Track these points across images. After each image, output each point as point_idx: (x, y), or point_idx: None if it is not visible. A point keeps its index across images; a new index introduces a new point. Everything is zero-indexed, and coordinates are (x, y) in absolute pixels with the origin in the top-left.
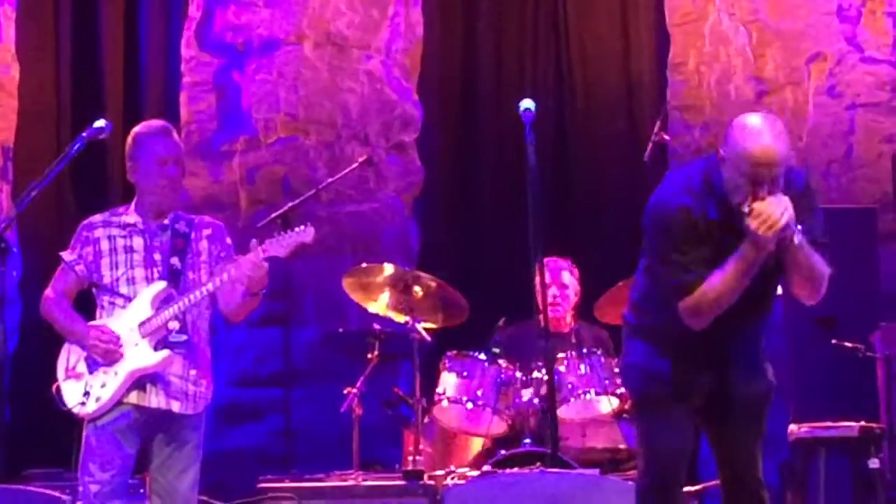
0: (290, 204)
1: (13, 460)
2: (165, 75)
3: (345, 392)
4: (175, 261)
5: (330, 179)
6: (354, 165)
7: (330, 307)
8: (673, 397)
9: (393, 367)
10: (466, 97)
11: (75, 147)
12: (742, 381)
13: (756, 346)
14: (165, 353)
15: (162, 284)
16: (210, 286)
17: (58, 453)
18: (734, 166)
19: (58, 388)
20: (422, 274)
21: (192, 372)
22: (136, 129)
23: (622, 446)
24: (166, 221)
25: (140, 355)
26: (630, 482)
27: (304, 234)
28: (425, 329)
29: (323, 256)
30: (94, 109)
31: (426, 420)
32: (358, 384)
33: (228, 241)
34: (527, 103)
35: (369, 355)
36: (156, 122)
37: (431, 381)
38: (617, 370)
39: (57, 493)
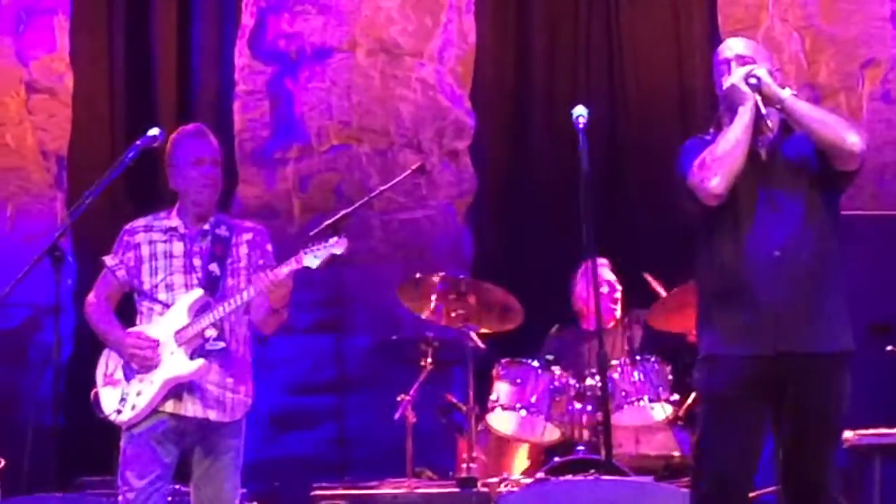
0: (343, 212)
1: (68, 468)
2: (218, 83)
3: (398, 399)
4: (214, 267)
5: (383, 187)
6: (407, 173)
7: (383, 315)
8: (733, 390)
9: (446, 374)
10: (519, 104)
11: (129, 156)
12: (810, 362)
13: (822, 307)
14: (200, 362)
15: (199, 292)
16: (245, 295)
17: (112, 461)
18: (717, 75)
19: (96, 395)
20: (475, 281)
21: (230, 380)
22: (173, 134)
23: (676, 453)
24: (206, 227)
25: (176, 363)
26: (685, 490)
27: (337, 245)
28: (479, 336)
29: (376, 264)
30: (147, 118)
31: (479, 427)
32: (411, 391)
33: (269, 247)
34: (579, 110)
35: (423, 363)
36: (191, 125)
37: (485, 388)
38: (670, 377)
39: (110, 501)
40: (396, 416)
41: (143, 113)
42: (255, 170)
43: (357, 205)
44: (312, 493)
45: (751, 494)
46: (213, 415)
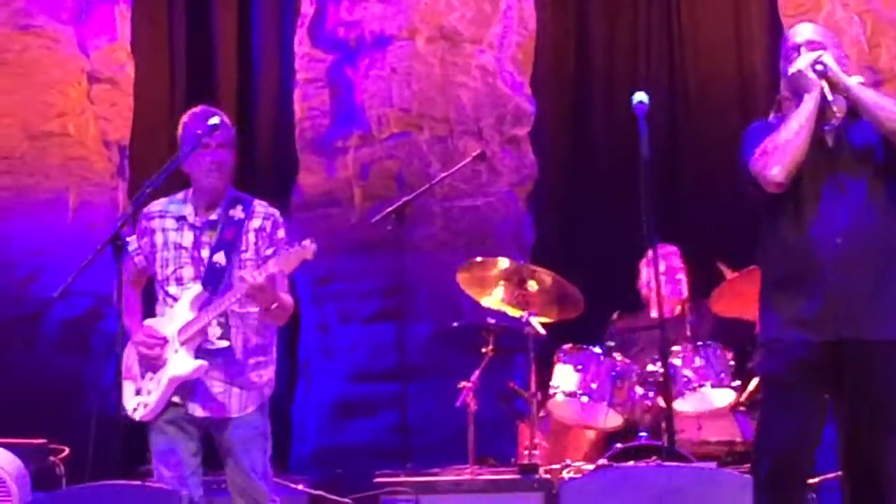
0: (404, 199)
1: (131, 456)
2: (279, 72)
3: (460, 386)
4: (220, 257)
5: (443, 174)
6: (468, 160)
7: (444, 302)
8: (795, 374)
9: (508, 361)
10: (579, 90)
11: (190, 146)
12: (871, 349)
13: (885, 294)
14: (200, 363)
15: (198, 289)
16: (234, 297)
17: None
18: (784, 60)
19: (120, 387)
20: (536, 268)
21: (236, 375)
22: (183, 117)
23: (738, 439)
24: (214, 217)
25: (179, 363)
26: (747, 475)
27: (306, 250)
28: (540, 323)
29: (437, 251)
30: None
31: (541, 414)
32: (473, 378)
33: (280, 234)
34: (640, 96)
35: (484, 349)
36: (199, 107)
37: (546, 374)
38: (732, 362)
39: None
40: (458, 403)
41: (203, 102)
42: (315, 158)
43: (418, 192)
44: (375, 481)
45: (813, 480)
46: (218, 412)
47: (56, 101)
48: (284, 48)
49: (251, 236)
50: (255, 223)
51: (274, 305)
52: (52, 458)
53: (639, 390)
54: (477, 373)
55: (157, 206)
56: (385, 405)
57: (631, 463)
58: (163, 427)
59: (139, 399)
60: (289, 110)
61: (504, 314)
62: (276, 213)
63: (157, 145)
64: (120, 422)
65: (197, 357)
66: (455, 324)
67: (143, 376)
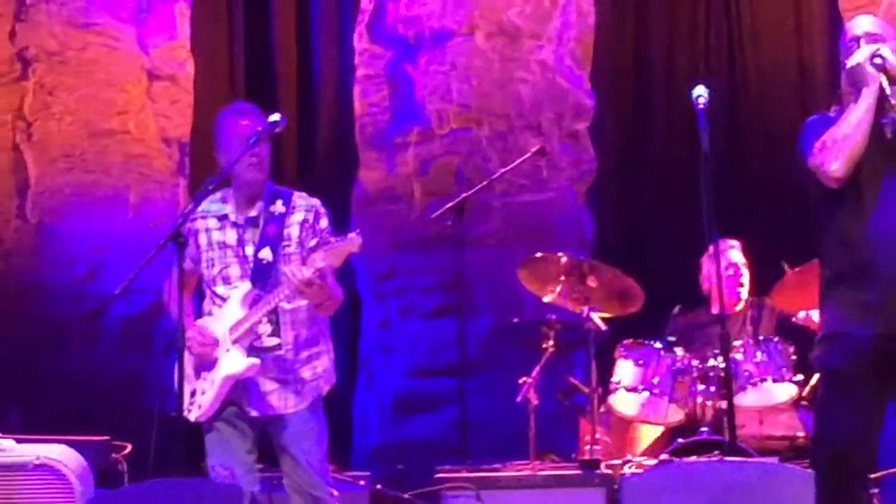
0: (464, 194)
1: (193, 452)
2: (338, 68)
3: (520, 382)
4: (266, 253)
5: (503, 169)
6: (528, 155)
7: (504, 297)
8: (854, 367)
9: (568, 356)
10: (639, 84)
11: (251, 141)
12: None
13: None
14: (253, 361)
15: (248, 286)
16: (283, 294)
17: None
18: (843, 52)
19: (179, 387)
20: (597, 263)
21: (291, 374)
22: (218, 115)
23: (801, 434)
24: (255, 213)
25: (232, 361)
26: (810, 470)
27: (353, 242)
28: (600, 318)
29: (497, 247)
30: (268, 104)
31: (602, 409)
32: (533, 374)
33: (323, 224)
34: (700, 90)
35: (544, 345)
36: (236, 103)
37: (607, 370)
38: (794, 357)
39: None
40: (519, 398)
41: (263, 99)
42: (375, 154)
43: (478, 188)
44: (436, 476)
45: (875, 474)
46: (277, 409)
47: (116, 99)
48: (344, 44)
49: (294, 230)
50: (298, 216)
51: (324, 301)
52: (114, 455)
53: (700, 385)
54: (537, 368)
55: (198, 207)
56: (446, 401)
57: (692, 458)
58: (217, 426)
59: (194, 400)
60: (348, 107)
61: (564, 309)
62: (318, 203)
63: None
64: (182, 418)
65: (249, 355)
66: (515, 319)
67: (196, 377)
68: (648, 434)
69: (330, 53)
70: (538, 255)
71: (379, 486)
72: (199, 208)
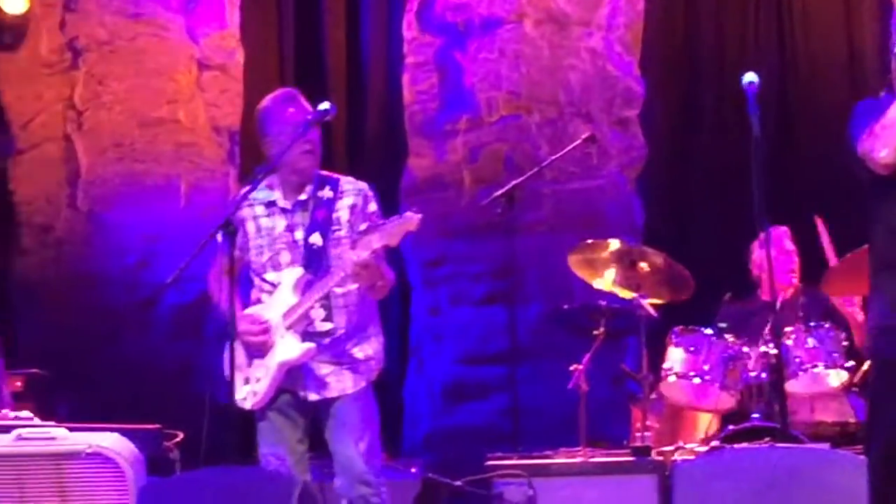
0: (514, 182)
1: (245, 441)
2: (388, 56)
3: (571, 369)
4: (316, 238)
5: (553, 157)
6: (577, 142)
7: (555, 284)
8: None
9: (619, 343)
10: (688, 71)
11: (302, 128)
12: None
13: None
14: (309, 346)
15: (300, 271)
16: (336, 277)
17: None
18: (893, 36)
19: (231, 376)
20: (647, 249)
21: (345, 357)
22: (261, 104)
23: (852, 420)
24: (305, 196)
25: (286, 347)
26: (861, 457)
27: (410, 221)
28: (651, 304)
29: (547, 234)
30: (317, 92)
31: (653, 396)
32: (584, 361)
33: (372, 207)
34: (750, 76)
35: (595, 332)
36: (282, 91)
37: (658, 356)
38: (845, 343)
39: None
40: (569, 385)
41: (313, 87)
42: (425, 142)
43: (528, 175)
44: (487, 464)
45: None
46: (330, 393)
47: (166, 89)
48: (393, 32)
49: (344, 213)
50: (347, 201)
51: (377, 283)
52: (166, 444)
53: (751, 372)
54: (588, 355)
55: (243, 194)
56: (496, 388)
57: (744, 444)
58: (269, 416)
59: (249, 388)
60: (397, 95)
61: (615, 296)
62: (365, 186)
63: None
64: (234, 407)
65: (304, 341)
66: (566, 306)
67: (249, 365)
68: (699, 421)
69: (379, 41)
70: (588, 241)
71: (430, 474)
72: (245, 197)
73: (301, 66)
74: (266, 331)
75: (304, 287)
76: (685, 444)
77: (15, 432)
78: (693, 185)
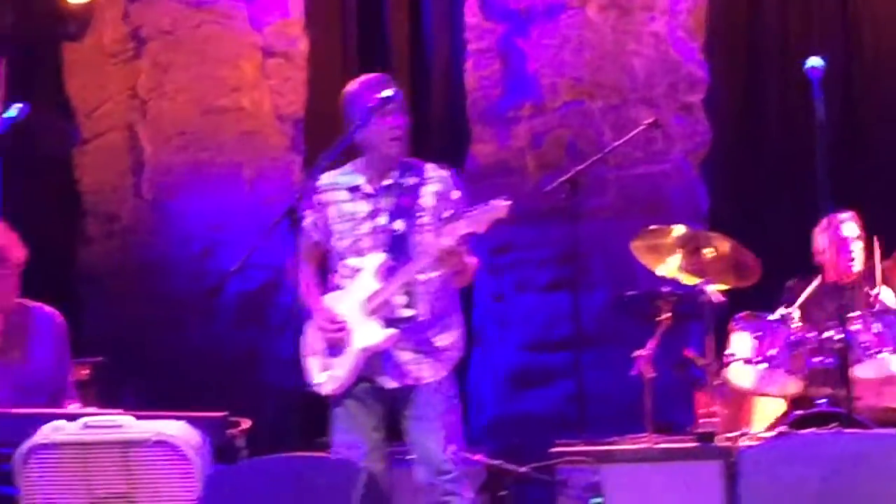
0: (578, 168)
1: (310, 428)
2: (450, 43)
3: (635, 355)
4: (399, 224)
5: (617, 142)
6: (641, 127)
7: (619, 270)
8: None
9: (683, 329)
10: (752, 55)
11: (364, 116)
12: None
13: None
14: (391, 332)
15: (382, 257)
16: (421, 264)
17: None
18: None
19: (305, 363)
20: (712, 234)
21: (425, 344)
22: (349, 87)
23: None
24: (390, 181)
25: (368, 333)
26: None
27: (499, 209)
28: (716, 290)
29: (611, 219)
30: None
31: (718, 381)
32: (648, 347)
33: (456, 194)
34: (814, 61)
35: (659, 318)
36: (372, 75)
37: (722, 342)
38: None
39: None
40: (633, 371)
41: (376, 74)
42: (488, 128)
43: (591, 161)
44: (553, 451)
45: None
46: (410, 380)
47: (230, 77)
48: (455, 19)
49: (428, 200)
50: (432, 187)
51: (461, 268)
52: (231, 431)
53: (816, 357)
54: (652, 341)
55: (326, 179)
56: (561, 374)
57: (810, 430)
58: (345, 403)
59: (329, 373)
60: (460, 81)
61: (679, 282)
62: (448, 174)
63: (332, 118)
64: (299, 394)
65: (386, 327)
66: (630, 292)
67: (329, 351)
68: (764, 406)
69: (442, 28)
70: (653, 227)
71: (495, 461)
72: (328, 180)
73: (364, 54)
74: (341, 329)
75: (387, 273)
76: (750, 430)
77: (82, 420)
78: (758, 169)
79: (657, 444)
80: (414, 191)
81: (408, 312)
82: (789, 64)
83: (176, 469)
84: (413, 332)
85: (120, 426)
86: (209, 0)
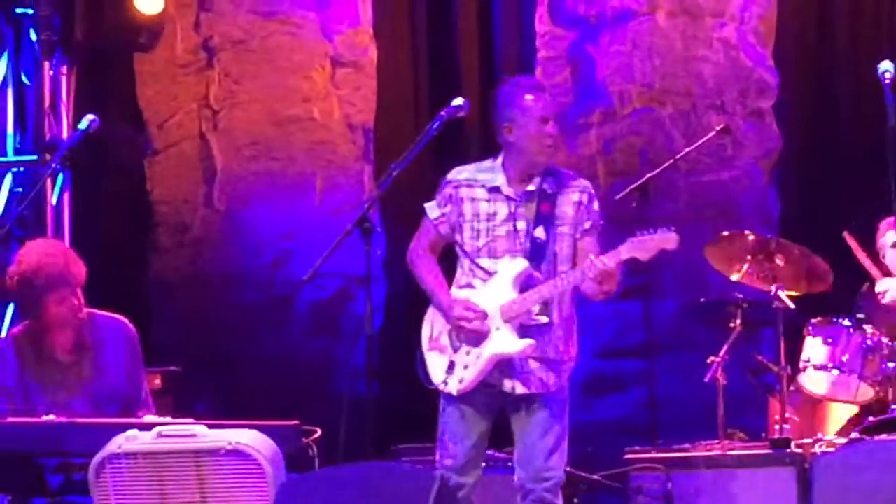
0: (649, 175)
1: (383, 436)
2: (520, 50)
3: (708, 361)
4: (540, 232)
5: (687, 149)
6: (711, 134)
7: (690, 277)
8: None
9: (756, 335)
10: (822, 61)
11: (434, 126)
12: None
13: None
14: (529, 342)
15: (523, 264)
16: (571, 279)
17: (425, 428)
18: None
19: (421, 357)
20: (784, 241)
21: (551, 353)
22: (507, 86)
23: None
24: (532, 187)
25: (503, 340)
26: None
27: (668, 239)
28: (788, 296)
29: (682, 226)
30: (451, 88)
31: (791, 388)
32: (721, 353)
33: (596, 206)
34: (886, 65)
35: (732, 324)
36: (528, 78)
37: (795, 348)
38: None
39: (426, 468)
40: (707, 378)
41: (446, 83)
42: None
43: (662, 167)
44: (626, 457)
45: None
46: (534, 388)
47: (300, 86)
48: (525, 27)
49: (569, 209)
50: (573, 197)
51: (613, 289)
52: (304, 440)
53: (890, 363)
54: (725, 348)
55: (463, 173)
56: (633, 381)
57: (884, 436)
58: (460, 405)
59: (456, 373)
60: None
61: (751, 288)
62: (589, 184)
63: (402, 128)
64: (372, 402)
65: (521, 336)
66: (702, 299)
67: (456, 349)
68: (838, 413)
69: (511, 36)
70: (725, 233)
71: (568, 468)
72: (466, 176)
73: (434, 63)
74: (481, 318)
75: (525, 281)
76: (824, 436)
77: (155, 430)
78: (830, 175)
79: (730, 450)
80: (554, 199)
81: (542, 319)
82: (860, 69)
83: (249, 478)
84: (543, 340)
85: (193, 435)
86: (280, 10)
